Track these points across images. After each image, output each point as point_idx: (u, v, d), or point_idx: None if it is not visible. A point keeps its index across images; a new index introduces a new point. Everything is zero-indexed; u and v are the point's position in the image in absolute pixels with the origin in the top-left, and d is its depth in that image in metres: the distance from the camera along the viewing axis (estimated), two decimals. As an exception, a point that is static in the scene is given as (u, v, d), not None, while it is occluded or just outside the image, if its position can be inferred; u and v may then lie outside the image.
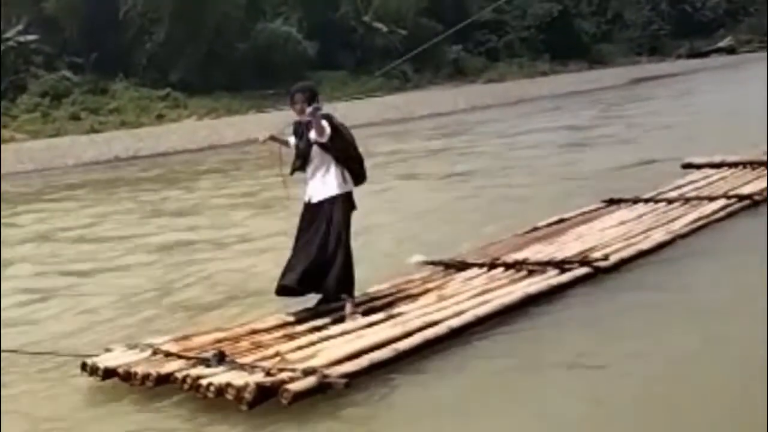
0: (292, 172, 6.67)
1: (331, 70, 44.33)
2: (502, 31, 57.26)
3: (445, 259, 7.96)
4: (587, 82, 43.18)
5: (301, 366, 5.13)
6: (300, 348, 5.64)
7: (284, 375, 5.00)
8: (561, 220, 9.55)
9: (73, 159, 25.26)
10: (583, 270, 7.07)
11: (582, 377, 5.20)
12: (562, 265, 7.17)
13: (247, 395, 4.86)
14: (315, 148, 6.45)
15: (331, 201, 6.41)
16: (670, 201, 10.01)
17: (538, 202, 11.35)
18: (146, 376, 5.37)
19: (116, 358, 5.76)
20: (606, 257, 7.20)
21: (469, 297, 6.59)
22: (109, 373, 5.59)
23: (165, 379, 5.34)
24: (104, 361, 5.69)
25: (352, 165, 6.53)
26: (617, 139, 18.76)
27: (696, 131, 17.85)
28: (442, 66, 51.04)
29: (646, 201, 10.15)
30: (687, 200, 9.96)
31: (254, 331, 6.18)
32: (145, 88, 36.84)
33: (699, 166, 12.42)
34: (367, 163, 6.73)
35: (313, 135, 6.34)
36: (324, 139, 6.31)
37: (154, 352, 5.76)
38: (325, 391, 4.96)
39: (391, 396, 5.12)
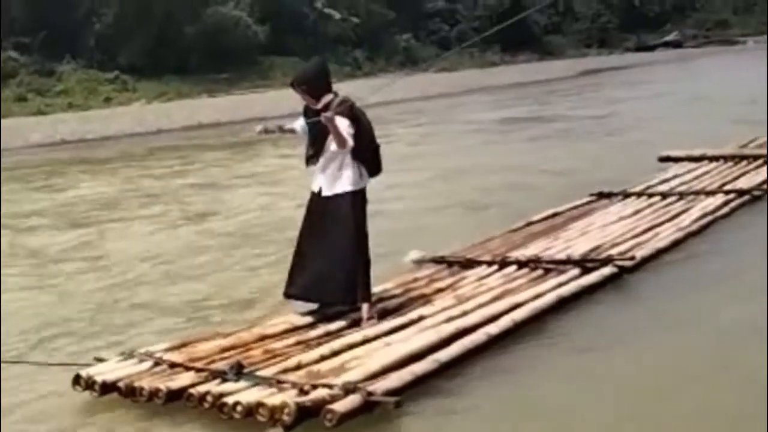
0: (308, 163, 5.99)
1: (282, 56, 43.53)
2: (454, 20, 57.12)
3: (447, 256, 7.49)
4: (537, 73, 43.09)
5: (335, 380, 4.60)
6: (324, 358, 5.09)
7: (323, 393, 4.45)
8: (555, 215, 9.18)
9: (20, 141, 24.16)
10: (608, 270, 6.65)
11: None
12: (583, 264, 6.75)
13: (286, 417, 4.30)
14: (332, 145, 5.77)
15: (346, 197, 5.80)
16: (664, 195, 9.69)
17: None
18: (155, 392, 4.77)
19: (113, 369, 5.12)
20: (632, 256, 6.81)
21: (491, 299, 6.12)
22: (107, 387, 4.95)
23: (177, 395, 4.76)
24: (101, 373, 5.05)
25: (370, 157, 5.93)
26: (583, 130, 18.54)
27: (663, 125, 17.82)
28: (394, 54, 50.67)
29: (638, 195, 9.82)
30: (681, 195, 9.64)
31: (263, 337, 5.61)
32: (93, 70, 35.57)
33: (677, 159, 12.19)
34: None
35: (332, 146, 5.73)
36: (346, 149, 5.72)
37: (156, 363, 5.18)
38: (370, 411, 4.44)
39: (441, 411, 4.61)
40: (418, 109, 28.25)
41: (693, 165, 11.67)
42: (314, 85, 5.87)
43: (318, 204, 5.90)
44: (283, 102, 29.18)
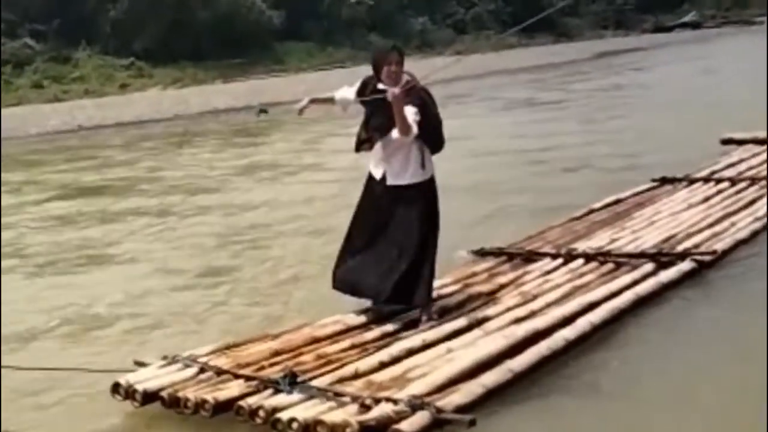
0: (358, 149, 5.46)
1: (296, 40, 43.00)
2: (469, 3, 56.38)
3: (507, 248, 6.95)
4: (555, 55, 42.32)
5: (399, 394, 4.09)
6: (383, 365, 4.59)
7: (387, 409, 3.94)
8: (617, 201, 8.59)
9: (36, 128, 23.83)
10: (686, 265, 6.07)
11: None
12: (658, 258, 6.19)
13: (346, 437, 3.82)
14: (395, 132, 5.23)
15: (416, 187, 5.28)
16: (733, 181, 9.00)
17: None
18: (201, 404, 4.28)
19: (155, 376, 4.64)
20: (713, 250, 6.23)
21: (560, 297, 5.60)
22: (149, 396, 4.48)
23: (225, 406, 4.27)
24: (142, 381, 4.57)
25: (432, 133, 5.39)
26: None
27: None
28: (410, 38, 49.97)
29: (705, 180, 9.16)
30: (753, 180, 8.94)
31: (314, 340, 5.12)
32: (108, 56, 35.17)
33: (741, 142, 11.53)
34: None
35: (395, 134, 5.20)
36: (409, 137, 5.17)
37: (202, 369, 4.69)
38: (439, 429, 3.93)
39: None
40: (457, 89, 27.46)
41: (758, 148, 10.91)
42: (403, 56, 5.38)
43: (382, 192, 5.38)
44: (298, 86, 28.85)
